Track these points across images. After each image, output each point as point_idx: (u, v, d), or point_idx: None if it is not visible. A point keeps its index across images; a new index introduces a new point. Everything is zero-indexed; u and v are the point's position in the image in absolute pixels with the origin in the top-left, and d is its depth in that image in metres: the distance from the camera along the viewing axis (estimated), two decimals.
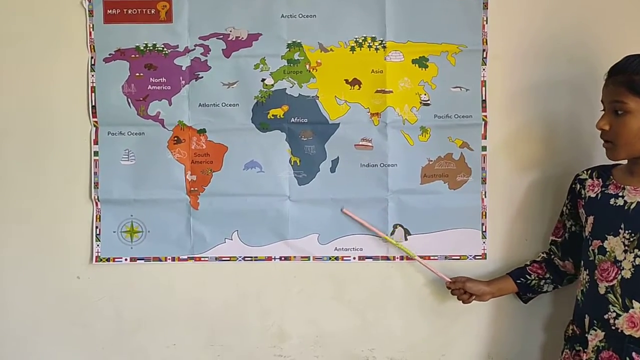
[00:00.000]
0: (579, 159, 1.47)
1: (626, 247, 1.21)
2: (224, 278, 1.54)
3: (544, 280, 1.44)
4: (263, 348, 1.55)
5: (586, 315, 1.28)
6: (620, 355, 1.20)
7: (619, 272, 1.21)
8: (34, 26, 1.50)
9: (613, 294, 1.22)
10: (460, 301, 1.46)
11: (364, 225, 1.50)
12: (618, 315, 1.21)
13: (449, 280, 1.47)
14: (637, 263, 1.19)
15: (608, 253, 1.24)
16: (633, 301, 1.19)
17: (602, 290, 1.24)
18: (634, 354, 1.18)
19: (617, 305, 1.21)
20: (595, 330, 1.25)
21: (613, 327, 1.21)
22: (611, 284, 1.22)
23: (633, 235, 1.20)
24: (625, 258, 1.21)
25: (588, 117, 1.44)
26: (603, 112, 1.25)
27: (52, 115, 1.52)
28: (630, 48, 1.23)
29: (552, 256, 1.45)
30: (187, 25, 1.50)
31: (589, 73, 1.39)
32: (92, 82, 1.51)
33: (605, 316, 1.23)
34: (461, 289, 1.45)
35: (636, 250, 1.19)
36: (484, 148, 1.50)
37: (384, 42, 1.49)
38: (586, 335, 1.27)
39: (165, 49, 1.51)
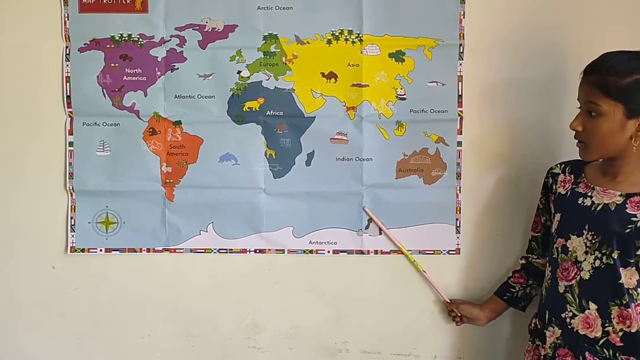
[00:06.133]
0: (550, 156, 1.46)
1: (587, 249, 1.21)
2: (198, 270, 1.55)
3: (529, 288, 1.43)
4: (237, 339, 1.56)
5: (546, 312, 1.29)
6: (575, 353, 1.21)
7: (579, 272, 1.22)
8: (9, 14, 1.49)
9: (571, 293, 1.23)
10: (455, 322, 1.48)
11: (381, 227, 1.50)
12: (574, 315, 1.22)
13: (448, 300, 1.49)
14: (596, 265, 1.19)
15: (570, 252, 1.24)
16: (590, 302, 1.20)
17: (561, 289, 1.24)
18: (587, 353, 1.19)
19: (574, 305, 1.22)
20: (554, 327, 1.26)
21: (569, 326, 1.22)
22: (570, 283, 1.23)
23: (595, 237, 1.19)
24: (585, 259, 1.21)
25: (559, 115, 1.44)
26: (579, 111, 1.21)
27: (27, 104, 1.51)
28: (609, 48, 1.20)
29: (531, 258, 1.43)
30: (162, 15, 1.49)
31: (566, 71, 1.38)
32: (67, 72, 1.50)
33: (563, 314, 1.24)
34: (455, 311, 1.46)
35: (597, 253, 1.19)
36: (459, 143, 1.50)
37: (360, 35, 1.48)
38: (545, 331, 1.28)
39: (140, 40, 1.50)
